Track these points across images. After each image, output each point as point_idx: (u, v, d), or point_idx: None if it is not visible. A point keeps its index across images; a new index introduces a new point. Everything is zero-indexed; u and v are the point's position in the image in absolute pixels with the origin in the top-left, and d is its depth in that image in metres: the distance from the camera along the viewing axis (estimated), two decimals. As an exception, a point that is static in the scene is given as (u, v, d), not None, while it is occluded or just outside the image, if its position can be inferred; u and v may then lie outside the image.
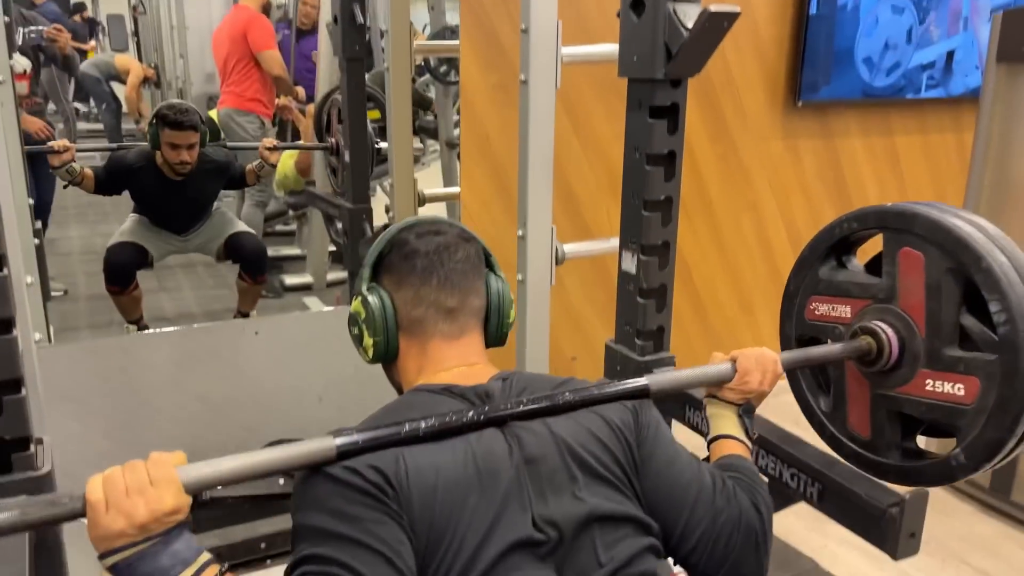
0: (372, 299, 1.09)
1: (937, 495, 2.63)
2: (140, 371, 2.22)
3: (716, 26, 1.52)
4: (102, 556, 0.83)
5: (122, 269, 3.12)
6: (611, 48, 2.11)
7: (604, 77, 2.58)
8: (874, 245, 1.32)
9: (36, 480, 1.31)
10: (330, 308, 2.96)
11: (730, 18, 1.51)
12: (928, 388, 1.23)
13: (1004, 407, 1.14)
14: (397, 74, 2.74)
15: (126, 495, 0.81)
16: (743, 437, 1.19)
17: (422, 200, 2.95)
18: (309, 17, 4.70)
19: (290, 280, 4.33)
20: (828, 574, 2.27)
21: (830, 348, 1.31)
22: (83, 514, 0.82)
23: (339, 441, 0.90)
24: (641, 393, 1.08)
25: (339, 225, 3.55)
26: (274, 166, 3.45)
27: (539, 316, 2.16)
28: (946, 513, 2.58)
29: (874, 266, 1.32)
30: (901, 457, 1.30)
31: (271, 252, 3.83)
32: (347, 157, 3.10)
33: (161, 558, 0.82)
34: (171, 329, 2.36)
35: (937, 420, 1.24)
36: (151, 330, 2.95)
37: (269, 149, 3.35)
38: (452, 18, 4.21)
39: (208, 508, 2.22)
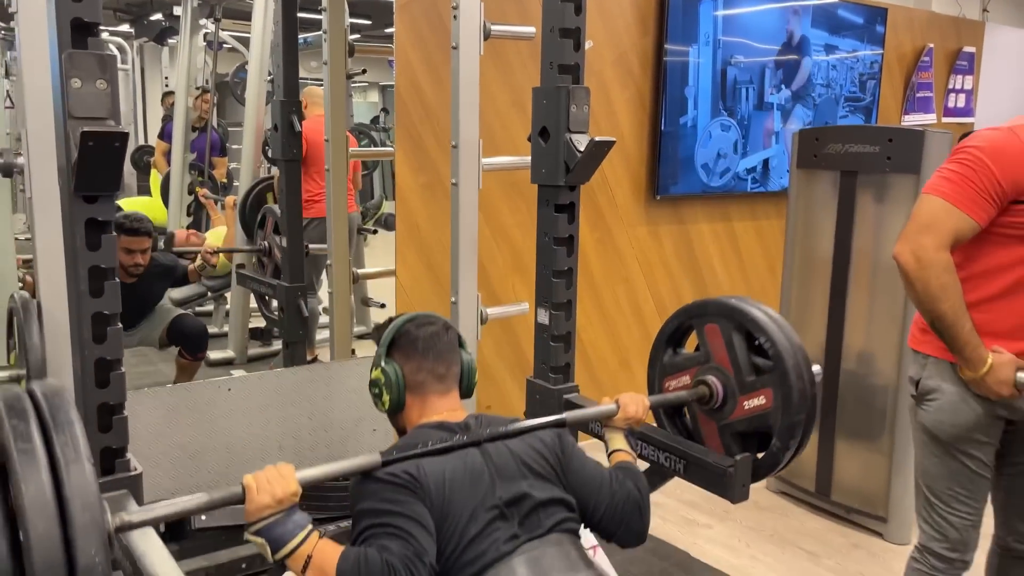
0: (389, 369, 1.62)
1: (777, 501, 3.33)
2: (132, 423, 2.62)
3: (599, 150, 2.20)
4: (250, 527, 1.33)
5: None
6: (517, 159, 2.79)
7: (508, 180, 3.25)
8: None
9: (132, 479, 1.76)
10: (289, 369, 3.41)
11: (609, 145, 2.20)
12: (747, 407, 1.84)
13: (787, 401, 1.76)
14: (336, 173, 3.31)
15: (268, 482, 1.33)
16: (628, 449, 1.78)
17: (355, 278, 3.50)
18: (203, 117, 5.24)
19: (214, 355, 4.70)
20: (697, 560, 2.89)
21: (679, 394, 1.94)
22: (243, 498, 1.32)
23: (382, 456, 1.44)
24: (561, 424, 1.67)
25: (274, 303, 4.03)
26: (214, 266, 3.92)
27: (468, 365, 2.73)
28: (784, 513, 3.27)
29: (696, 348, 1.96)
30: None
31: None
32: (284, 243, 3.61)
33: (287, 523, 1.34)
34: (160, 387, 2.77)
35: (758, 427, 1.83)
36: (144, 389, 3.31)
37: (211, 253, 3.83)
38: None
39: (196, 538, 2.61)
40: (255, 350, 4.80)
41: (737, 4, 3.88)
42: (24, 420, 1.02)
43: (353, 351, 3.49)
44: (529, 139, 2.36)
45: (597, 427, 2.17)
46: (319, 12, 3.28)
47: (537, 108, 2.27)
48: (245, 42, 5.77)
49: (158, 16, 6.46)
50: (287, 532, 1.33)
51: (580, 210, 2.37)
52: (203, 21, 5.92)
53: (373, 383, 1.67)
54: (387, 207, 5.82)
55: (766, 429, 1.85)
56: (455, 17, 2.56)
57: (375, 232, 5.24)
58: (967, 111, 5.33)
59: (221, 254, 4.56)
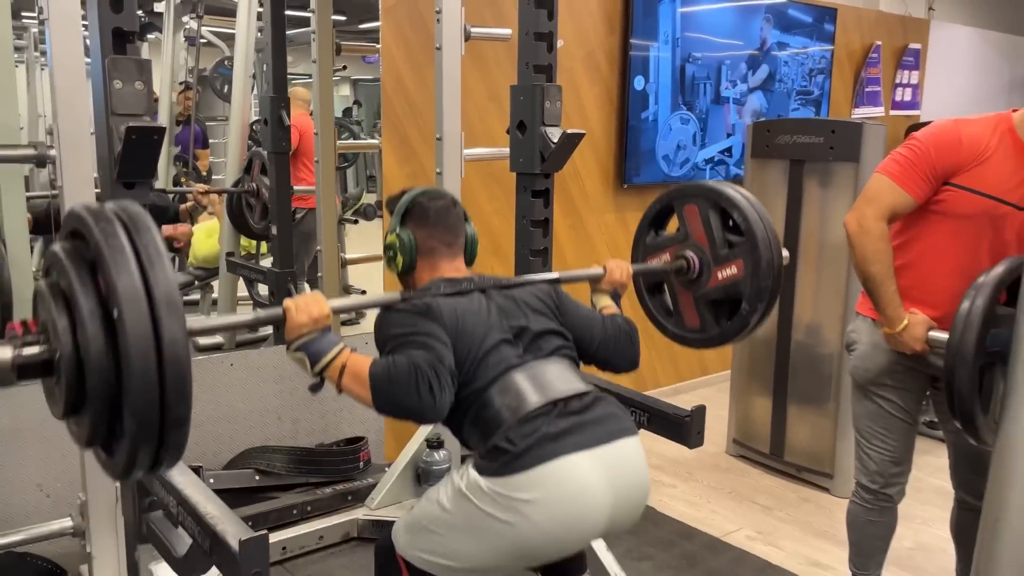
0: (403, 235, 1.77)
1: (735, 463, 3.63)
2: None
3: (571, 141, 2.47)
4: (289, 345, 1.52)
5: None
6: (495, 151, 3.04)
7: (487, 170, 3.50)
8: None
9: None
10: (283, 345, 3.62)
11: (579, 136, 2.46)
12: (720, 277, 2.02)
13: (757, 267, 1.95)
14: (325, 163, 3.55)
15: (306, 304, 1.50)
16: (615, 306, 1.95)
17: (344, 263, 3.74)
18: (186, 112, 5.44)
19: (203, 341, 4.89)
20: (663, 515, 3.17)
21: (660, 264, 2.11)
22: (284, 319, 1.49)
23: (400, 294, 1.66)
24: (556, 281, 1.88)
25: (258, 288, 4.26)
26: (205, 207, 4.12)
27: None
28: (741, 474, 3.57)
29: (677, 229, 2.15)
30: (720, 329, 2.09)
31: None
32: (274, 231, 3.84)
33: (322, 341, 1.51)
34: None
35: (730, 294, 2.02)
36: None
37: (202, 193, 4.04)
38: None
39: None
40: (243, 336, 5.01)
41: (694, 3, 4.16)
42: (111, 224, 1.17)
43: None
44: (507, 132, 2.61)
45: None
46: (303, 10, 3.51)
47: (515, 104, 2.53)
48: (224, 37, 5.96)
49: (138, 12, 6.58)
50: (323, 348, 1.50)
51: (554, 196, 2.63)
52: (185, 18, 6.09)
53: (388, 247, 1.81)
54: (367, 198, 6.04)
55: (737, 296, 2.04)
56: (438, 20, 2.81)
57: (356, 222, 5.46)
58: (913, 104, 5.68)
59: (207, 237, 4.77)
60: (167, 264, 1.18)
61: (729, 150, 4.48)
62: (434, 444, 2.96)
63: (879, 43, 5.25)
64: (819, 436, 3.40)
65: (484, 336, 1.64)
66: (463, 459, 1.72)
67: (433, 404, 1.51)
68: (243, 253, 4.44)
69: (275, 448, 3.07)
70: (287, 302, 1.50)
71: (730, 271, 2.04)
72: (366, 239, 5.83)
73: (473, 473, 1.58)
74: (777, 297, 2.06)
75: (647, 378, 4.34)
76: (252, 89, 4.93)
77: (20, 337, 1.23)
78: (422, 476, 2.97)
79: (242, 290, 4.71)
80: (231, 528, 1.48)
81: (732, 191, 2.03)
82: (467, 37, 2.87)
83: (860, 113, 5.25)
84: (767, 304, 2.03)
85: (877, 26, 5.27)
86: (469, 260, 1.88)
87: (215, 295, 5.31)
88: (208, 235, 4.85)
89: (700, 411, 2.16)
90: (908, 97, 5.62)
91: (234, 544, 1.41)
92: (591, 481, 1.54)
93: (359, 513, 2.93)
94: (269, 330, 4.79)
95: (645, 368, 4.34)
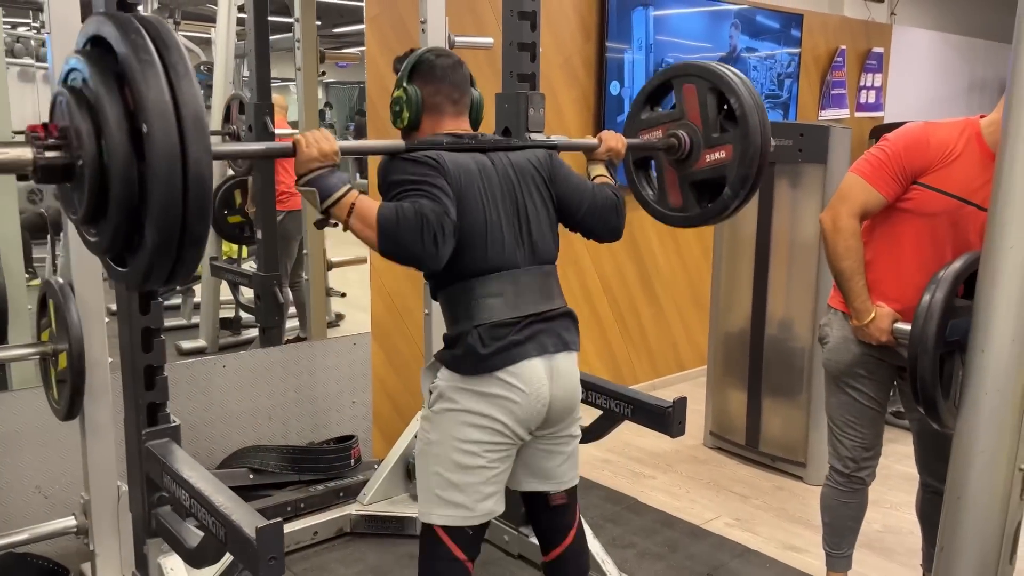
0: (410, 90, 1.81)
1: (712, 455, 3.76)
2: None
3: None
4: (299, 179, 1.56)
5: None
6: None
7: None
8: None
9: (173, 429, 2.07)
10: (277, 347, 3.69)
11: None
12: (708, 159, 2.14)
13: (744, 155, 2.07)
14: (310, 171, 3.62)
15: (315, 140, 1.55)
16: (608, 175, 2.05)
17: (330, 265, 3.82)
18: None
19: (187, 345, 4.94)
20: (645, 505, 3.29)
21: (652, 140, 2.22)
22: (294, 152, 1.54)
23: (405, 143, 1.72)
24: (552, 146, 1.97)
25: (242, 291, 4.32)
26: None
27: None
28: (718, 465, 3.70)
29: (670, 108, 2.24)
30: (700, 210, 2.21)
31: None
32: (259, 235, 3.90)
33: (331, 177, 1.57)
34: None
35: (715, 177, 2.13)
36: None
37: None
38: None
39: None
40: (225, 339, 5.05)
41: (666, 7, 4.29)
42: (140, 36, 1.18)
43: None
44: (492, 138, 2.71)
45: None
46: (284, 16, 3.59)
47: (500, 111, 2.63)
48: (200, 42, 5.98)
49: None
50: (332, 184, 1.55)
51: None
52: (162, 24, 6.10)
53: (395, 101, 1.83)
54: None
55: (720, 179, 2.12)
56: (423, 30, 2.91)
57: (335, 225, 5.52)
58: (877, 106, 5.87)
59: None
60: (195, 81, 1.22)
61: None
62: (424, 440, 3.05)
63: (844, 47, 5.42)
64: (792, 427, 3.54)
65: (485, 208, 1.73)
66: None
67: (435, 253, 1.59)
68: (224, 257, 4.50)
69: (268, 447, 3.15)
70: (297, 136, 1.55)
71: (718, 155, 2.13)
72: (341, 241, 5.92)
73: (440, 382, 1.76)
74: (757, 187, 2.15)
75: (625, 374, 4.47)
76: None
77: (43, 140, 1.26)
78: (412, 471, 3.06)
79: (224, 292, 4.77)
80: (246, 517, 1.56)
81: (733, 76, 2.10)
82: (451, 46, 2.97)
83: (826, 115, 5.42)
84: (748, 191, 2.14)
85: (841, 31, 5.45)
86: (474, 122, 1.93)
87: (197, 299, 5.36)
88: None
89: (681, 403, 2.27)
90: (872, 99, 5.80)
91: (251, 532, 1.49)
92: (542, 379, 1.77)
93: (352, 509, 3.01)
94: (254, 332, 4.86)
95: (623, 364, 4.46)
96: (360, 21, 3.87)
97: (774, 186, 3.45)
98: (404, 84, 1.83)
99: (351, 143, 1.66)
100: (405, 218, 1.56)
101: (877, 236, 2.20)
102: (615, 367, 4.42)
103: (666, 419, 2.28)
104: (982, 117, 2.09)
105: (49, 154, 1.25)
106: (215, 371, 3.12)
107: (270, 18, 3.73)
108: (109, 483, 2.38)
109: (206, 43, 6.20)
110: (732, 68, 2.15)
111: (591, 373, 3.13)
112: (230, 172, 4.81)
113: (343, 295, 5.73)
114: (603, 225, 1.97)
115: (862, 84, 5.69)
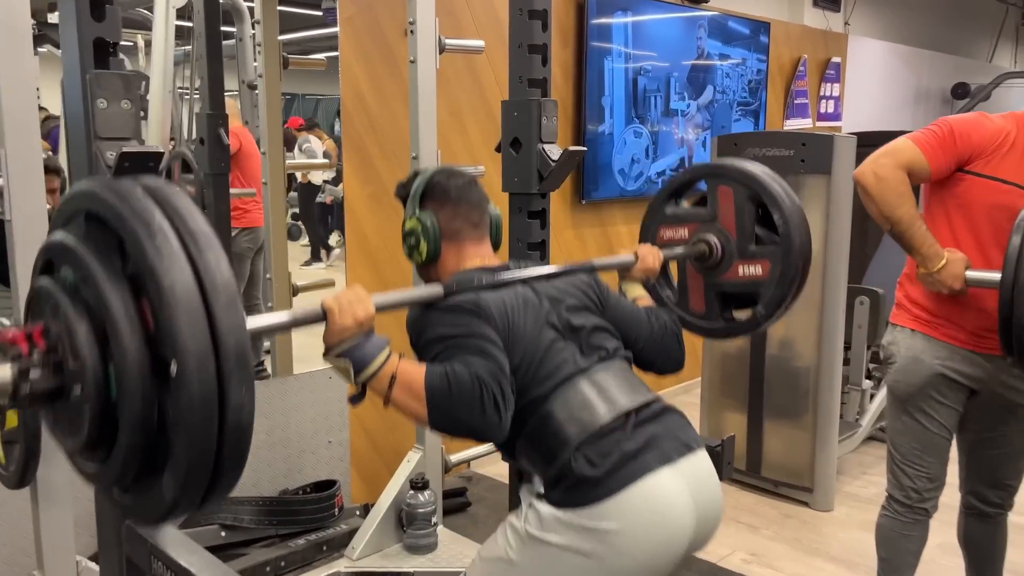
0: (424, 218, 1.58)
1: (712, 482, 3.55)
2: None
3: (571, 159, 2.33)
4: (329, 350, 1.31)
5: None
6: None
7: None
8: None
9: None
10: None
11: (580, 154, 2.33)
12: (741, 272, 1.94)
13: (784, 276, 1.88)
14: (274, 189, 3.29)
15: (349, 304, 1.29)
16: (648, 296, 1.83)
17: (295, 290, 3.48)
18: None
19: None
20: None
21: (683, 249, 1.99)
22: (325, 318, 1.28)
23: (443, 289, 1.44)
24: (591, 268, 1.72)
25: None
26: None
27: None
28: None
29: (698, 203, 2.04)
30: (724, 322, 2.01)
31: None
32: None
33: (367, 346, 1.31)
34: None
35: (747, 291, 1.94)
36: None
37: None
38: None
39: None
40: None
41: (643, 13, 4.12)
42: (165, 239, 0.92)
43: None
44: (497, 150, 2.45)
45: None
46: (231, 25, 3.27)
47: (507, 120, 2.37)
48: (128, 52, 5.54)
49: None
50: (368, 353, 1.30)
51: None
52: (86, 29, 5.63)
53: (409, 233, 1.61)
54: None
55: (753, 295, 1.94)
56: (412, 32, 2.64)
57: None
58: (836, 116, 5.85)
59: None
60: (238, 301, 0.95)
61: (682, 163, 4.45)
62: (418, 485, 2.76)
63: (806, 56, 5.37)
64: (797, 450, 3.38)
65: (537, 336, 1.48)
66: (521, 489, 1.53)
67: (499, 422, 1.35)
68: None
69: (240, 500, 2.79)
70: (327, 301, 1.30)
71: (754, 270, 1.94)
72: (292, 260, 5.54)
73: (545, 508, 1.42)
74: (793, 304, 1.97)
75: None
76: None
77: (26, 357, 0.96)
78: (406, 520, 2.76)
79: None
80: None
81: (777, 187, 1.91)
82: (441, 50, 2.71)
83: (791, 125, 5.35)
84: (784, 311, 1.95)
85: (803, 40, 5.40)
86: (495, 244, 1.71)
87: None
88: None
89: (730, 441, 2.06)
90: (831, 109, 5.78)
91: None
92: (678, 499, 1.43)
93: (340, 565, 2.69)
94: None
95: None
96: (317, 27, 3.59)
97: (774, 198, 3.28)
98: (417, 213, 1.60)
99: (386, 297, 1.39)
100: (459, 385, 1.32)
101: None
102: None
103: (715, 460, 2.05)
104: None
105: (36, 376, 0.95)
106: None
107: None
108: (67, 559, 2.03)
109: (130, 51, 5.77)
110: (774, 175, 1.95)
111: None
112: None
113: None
114: (665, 357, 1.72)
115: (822, 94, 5.66)
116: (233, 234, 4.12)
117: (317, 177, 5.67)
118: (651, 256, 1.86)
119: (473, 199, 1.65)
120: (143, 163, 1.49)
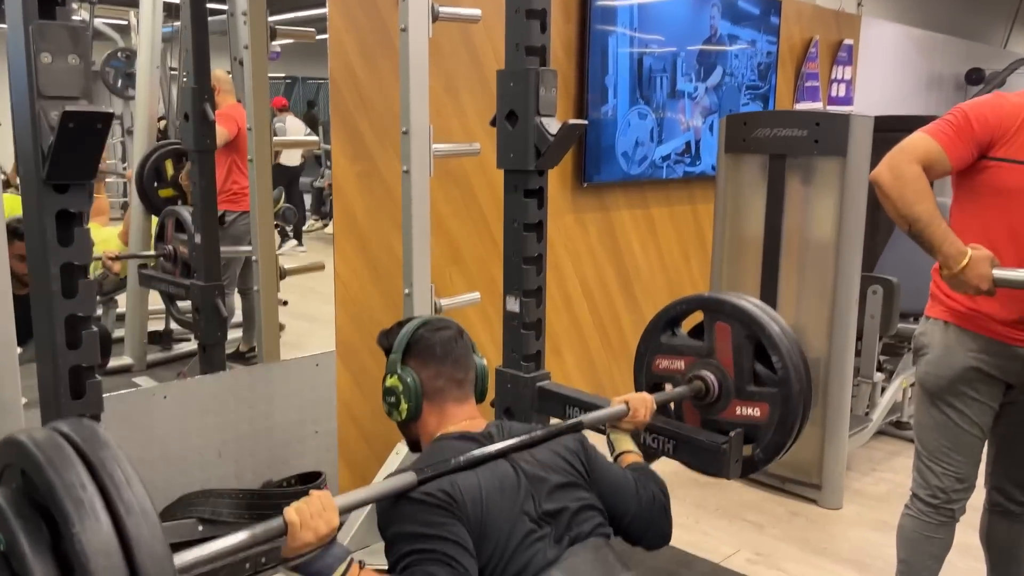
0: (406, 376, 1.57)
1: (717, 479, 3.42)
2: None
3: (571, 133, 2.18)
4: (289, 561, 1.26)
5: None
6: (465, 146, 2.74)
7: (442, 169, 3.16)
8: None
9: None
10: (226, 372, 3.15)
11: (581, 128, 2.18)
12: (738, 412, 1.91)
13: (784, 421, 1.85)
14: (260, 166, 3.14)
15: (311, 518, 1.24)
16: (637, 450, 1.78)
17: (283, 274, 3.33)
18: None
19: (110, 363, 4.35)
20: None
21: (679, 390, 1.95)
22: (286, 532, 1.23)
23: (416, 476, 1.36)
24: (578, 427, 1.65)
25: (179, 304, 3.78)
26: (117, 274, 3.61)
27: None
28: (722, 488, 3.37)
29: (695, 333, 1.99)
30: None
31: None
32: (198, 239, 3.38)
33: (327, 557, 1.27)
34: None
35: (743, 432, 1.90)
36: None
37: (112, 259, 3.53)
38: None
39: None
40: (154, 355, 4.49)
41: (651, -7, 3.95)
42: (95, 517, 0.92)
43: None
44: (492, 123, 2.30)
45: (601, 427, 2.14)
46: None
47: (503, 91, 2.22)
48: (117, 28, 5.39)
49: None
50: (328, 565, 1.27)
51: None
52: (75, 5, 5.46)
53: (389, 391, 1.60)
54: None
55: (751, 437, 1.91)
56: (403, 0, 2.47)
57: (279, 227, 5.01)
58: (847, 100, 5.67)
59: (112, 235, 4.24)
60: (153, 517, 0.95)
61: (688, 147, 4.29)
62: (407, 478, 2.62)
63: (817, 38, 5.19)
64: (805, 446, 3.20)
65: (512, 527, 1.41)
66: None
67: None
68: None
69: (219, 492, 2.66)
70: (289, 514, 1.25)
71: (751, 411, 1.91)
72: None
73: None
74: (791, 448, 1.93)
75: (605, 384, 4.10)
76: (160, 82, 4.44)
77: None
78: (393, 515, 2.62)
79: (154, 301, 4.22)
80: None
81: (776, 328, 1.87)
82: (435, 18, 2.55)
83: (801, 108, 5.17)
84: (782, 455, 1.92)
85: (814, 21, 5.22)
86: (479, 397, 1.69)
87: (120, 309, 4.76)
88: (109, 243, 4.31)
89: (738, 438, 1.92)
90: (843, 92, 5.60)
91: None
92: None
93: (323, 562, 2.55)
94: (188, 346, 4.32)
95: (604, 378, 4.10)
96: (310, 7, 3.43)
97: (785, 181, 3.13)
98: (398, 370, 1.59)
99: (353, 499, 1.35)
100: None
101: (957, 232, 1.90)
102: (595, 378, 4.05)
103: (720, 458, 1.92)
104: None
105: None
106: (154, 403, 2.61)
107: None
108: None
109: (123, 30, 5.62)
110: (773, 313, 1.92)
111: (571, 386, 2.76)
112: (161, 141, 4.25)
113: (284, 303, 5.22)
114: (653, 531, 1.67)
115: (834, 77, 5.47)
116: (231, 218, 3.99)
117: (291, 158, 5.51)
118: (643, 408, 1.80)
119: (458, 355, 1.62)
120: (90, 124, 1.34)
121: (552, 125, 2.17)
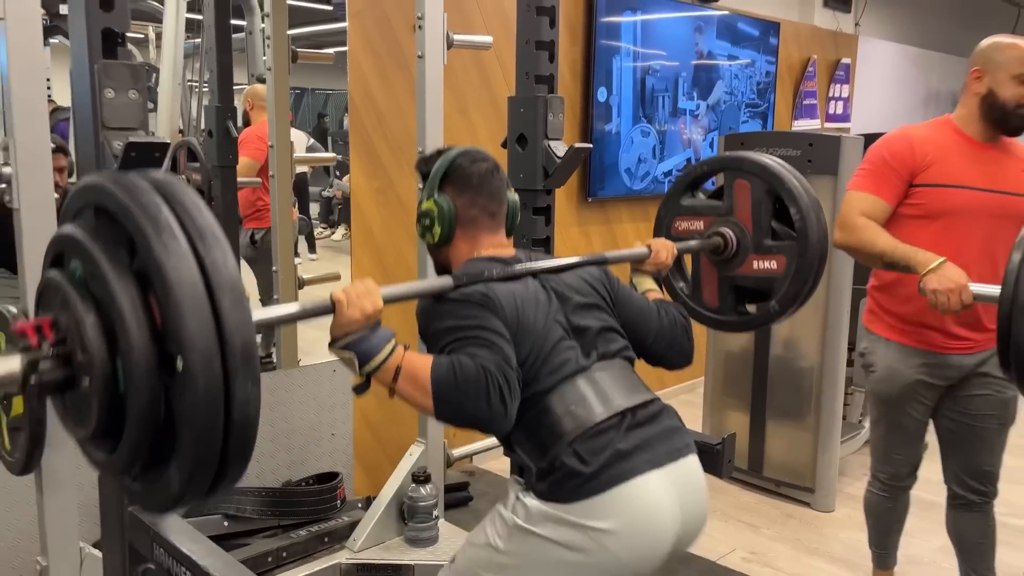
0: (442, 201, 1.56)
1: (711, 480, 3.57)
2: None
3: (577, 155, 2.34)
4: (335, 341, 1.32)
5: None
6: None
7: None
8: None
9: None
10: None
11: (586, 151, 2.34)
12: (755, 266, 1.94)
13: (800, 272, 1.88)
14: (281, 181, 3.31)
15: (358, 297, 1.30)
16: (658, 289, 1.85)
17: (301, 284, 3.49)
18: None
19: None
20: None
21: (698, 241, 2.00)
22: (333, 310, 1.30)
23: (453, 280, 1.45)
24: (603, 261, 1.71)
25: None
26: None
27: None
28: (719, 490, 3.51)
29: (715, 195, 2.04)
30: (738, 315, 2.02)
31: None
32: (220, 251, 3.55)
33: (372, 338, 1.32)
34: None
35: (761, 286, 1.96)
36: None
37: None
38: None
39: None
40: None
41: (652, 12, 4.12)
42: (173, 237, 0.92)
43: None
44: (503, 145, 2.46)
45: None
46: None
47: (514, 116, 2.38)
48: (137, 43, 5.56)
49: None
50: (374, 345, 1.31)
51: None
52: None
53: (424, 214, 1.60)
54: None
55: (767, 289, 1.95)
56: (420, 27, 2.64)
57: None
58: (845, 117, 5.83)
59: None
60: (244, 297, 0.95)
61: (688, 163, 4.45)
62: (420, 479, 2.76)
63: (815, 57, 5.36)
64: (799, 450, 3.38)
65: (545, 332, 1.48)
66: (514, 483, 1.54)
67: (504, 413, 1.36)
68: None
69: (243, 490, 2.81)
70: (336, 293, 1.31)
71: (768, 264, 1.93)
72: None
73: (532, 501, 1.43)
74: (808, 299, 1.98)
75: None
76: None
77: (35, 348, 0.98)
78: (407, 513, 2.77)
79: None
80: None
81: (795, 181, 1.90)
82: (450, 45, 2.71)
83: (799, 126, 5.34)
84: (798, 307, 1.95)
85: (813, 40, 5.38)
86: (510, 230, 1.70)
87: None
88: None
89: (731, 439, 2.06)
90: (840, 110, 5.76)
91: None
92: (665, 504, 1.43)
93: (341, 557, 2.70)
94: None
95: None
96: (326, 21, 3.60)
97: (780, 199, 3.28)
98: (435, 195, 1.59)
99: (395, 289, 1.40)
100: (464, 376, 1.33)
101: None
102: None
103: (715, 459, 2.06)
104: (950, 115, 2.18)
105: (45, 367, 0.97)
106: (183, 406, 2.77)
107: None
108: (71, 545, 2.04)
109: (143, 44, 5.79)
110: (793, 170, 1.94)
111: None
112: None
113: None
114: (674, 351, 1.72)
115: (831, 95, 5.64)
116: (260, 235, 4.11)
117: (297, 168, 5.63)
118: (664, 250, 1.86)
119: (494, 188, 1.62)
120: (149, 153, 1.51)
121: (559, 148, 2.33)
